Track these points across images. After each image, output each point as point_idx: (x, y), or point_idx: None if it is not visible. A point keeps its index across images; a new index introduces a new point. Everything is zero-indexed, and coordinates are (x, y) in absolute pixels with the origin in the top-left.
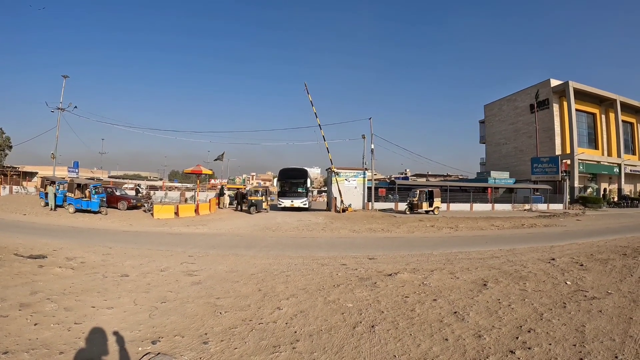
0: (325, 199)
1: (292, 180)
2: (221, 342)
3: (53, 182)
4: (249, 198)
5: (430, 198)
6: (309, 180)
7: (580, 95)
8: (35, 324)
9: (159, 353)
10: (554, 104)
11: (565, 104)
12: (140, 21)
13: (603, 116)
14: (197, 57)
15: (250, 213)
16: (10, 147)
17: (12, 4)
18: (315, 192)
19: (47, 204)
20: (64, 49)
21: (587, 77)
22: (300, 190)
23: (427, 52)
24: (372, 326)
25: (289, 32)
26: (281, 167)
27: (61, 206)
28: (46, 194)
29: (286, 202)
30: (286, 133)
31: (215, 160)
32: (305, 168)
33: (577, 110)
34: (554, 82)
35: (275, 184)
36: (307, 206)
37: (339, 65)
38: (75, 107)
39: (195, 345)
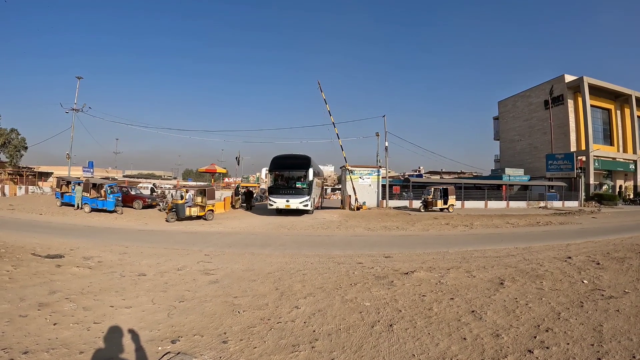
0: (340, 197)
1: (288, 172)
2: (240, 342)
3: (69, 182)
4: (172, 201)
5: (444, 196)
6: (311, 171)
7: (595, 91)
8: (55, 324)
9: (179, 352)
10: (569, 100)
11: (580, 99)
12: (155, 26)
13: (618, 112)
14: (208, 60)
15: (167, 221)
16: (26, 147)
17: (24, 5)
18: (329, 190)
19: (62, 204)
20: (78, 52)
21: (602, 73)
22: (299, 185)
23: (437, 52)
24: (391, 325)
25: (296, 35)
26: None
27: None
28: (62, 193)
29: (279, 202)
30: (300, 132)
31: (238, 164)
32: (309, 155)
33: (592, 106)
34: (569, 78)
35: (264, 175)
36: (308, 208)
37: (350, 67)
38: (90, 107)
39: (215, 345)
